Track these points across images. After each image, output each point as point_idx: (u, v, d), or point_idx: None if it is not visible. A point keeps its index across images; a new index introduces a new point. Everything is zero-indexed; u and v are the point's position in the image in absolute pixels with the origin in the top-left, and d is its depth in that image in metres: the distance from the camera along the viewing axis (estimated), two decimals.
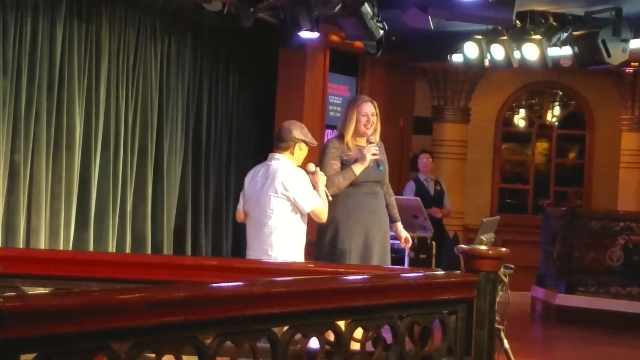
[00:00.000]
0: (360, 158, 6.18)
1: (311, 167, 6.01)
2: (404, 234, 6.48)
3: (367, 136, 6.25)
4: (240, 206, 6.09)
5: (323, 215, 5.93)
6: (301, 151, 5.93)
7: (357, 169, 6.16)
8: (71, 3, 7.54)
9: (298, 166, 5.97)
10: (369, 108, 6.25)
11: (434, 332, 3.18)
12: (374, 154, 6.16)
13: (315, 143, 6.04)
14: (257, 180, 5.93)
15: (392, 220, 6.45)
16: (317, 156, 6.43)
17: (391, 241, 9.07)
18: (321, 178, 5.98)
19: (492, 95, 12.18)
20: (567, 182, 12.50)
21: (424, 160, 10.62)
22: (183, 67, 8.83)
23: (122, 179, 8.05)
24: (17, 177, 7.11)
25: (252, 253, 5.91)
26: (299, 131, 5.90)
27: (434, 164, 10.85)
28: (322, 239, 6.28)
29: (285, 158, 5.89)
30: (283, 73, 9.96)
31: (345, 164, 6.21)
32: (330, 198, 6.05)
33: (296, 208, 5.85)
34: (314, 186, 5.92)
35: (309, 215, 5.92)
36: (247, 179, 6.06)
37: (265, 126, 9.61)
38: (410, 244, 6.64)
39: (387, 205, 6.42)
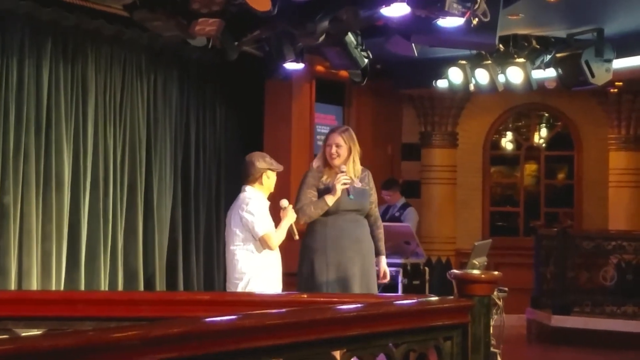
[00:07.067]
0: (331, 188, 6.23)
1: (284, 203, 6.18)
2: (383, 268, 6.46)
3: (335, 166, 6.28)
4: None
5: (273, 242, 6.04)
6: (269, 179, 6.18)
7: (329, 199, 6.21)
8: (56, 43, 7.56)
9: (271, 192, 6.21)
10: (334, 139, 6.31)
11: (430, 357, 3.17)
12: (344, 183, 6.19)
13: (280, 167, 6.26)
14: (229, 214, 6.21)
15: (377, 254, 6.42)
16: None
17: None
18: (290, 215, 6.12)
19: (479, 119, 12.22)
20: (557, 203, 12.51)
21: (386, 198, 10.38)
22: (170, 102, 8.84)
23: (113, 216, 8.03)
24: (7, 219, 7.09)
25: (228, 284, 6.12)
26: (261, 161, 6.16)
27: (424, 189, 10.71)
28: (300, 270, 6.32)
29: (254, 189, 6.13)
30: (270, 104, 9.99)
31: (324, 193, 6.27)
32: (297, 237, 6.17)
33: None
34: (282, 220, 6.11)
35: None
36: None
37: None
38: (386, 280, 6.57)
39: (373, 238, 6.41)
